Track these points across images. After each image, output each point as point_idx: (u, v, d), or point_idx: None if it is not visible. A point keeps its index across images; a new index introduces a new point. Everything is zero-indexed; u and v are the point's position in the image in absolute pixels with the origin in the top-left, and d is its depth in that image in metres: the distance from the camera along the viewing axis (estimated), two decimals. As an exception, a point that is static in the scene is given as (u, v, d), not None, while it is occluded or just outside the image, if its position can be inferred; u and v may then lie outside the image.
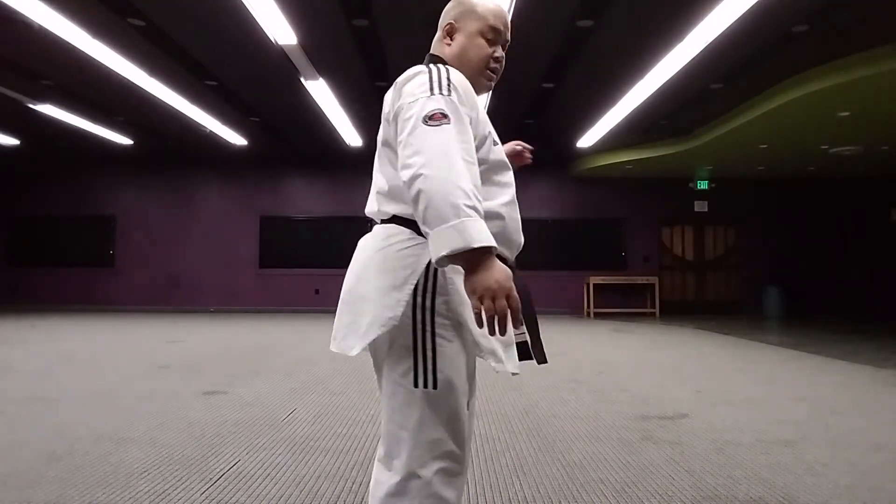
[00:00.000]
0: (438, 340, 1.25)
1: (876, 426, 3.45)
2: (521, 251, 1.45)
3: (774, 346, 7.11)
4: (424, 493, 1.22)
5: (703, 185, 12.41)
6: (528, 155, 1.81)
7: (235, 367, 5.40)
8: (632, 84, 7.59)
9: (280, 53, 6.65)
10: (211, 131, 10.27)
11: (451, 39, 1.46)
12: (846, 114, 7.52)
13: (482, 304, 1.11)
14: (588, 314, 12.10)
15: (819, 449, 3.00)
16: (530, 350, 1.33)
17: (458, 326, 1.28)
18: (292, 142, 11.41)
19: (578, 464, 2.76)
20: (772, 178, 12.36)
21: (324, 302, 12.01)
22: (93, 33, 6.20)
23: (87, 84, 7.93)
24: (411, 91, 1.26)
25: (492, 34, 1.44)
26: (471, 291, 1.12)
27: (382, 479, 1.27)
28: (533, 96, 8.48)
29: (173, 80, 7.80)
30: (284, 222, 12.69)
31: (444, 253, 1.10)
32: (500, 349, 1.29)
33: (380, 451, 1.32)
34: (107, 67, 7.08)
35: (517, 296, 1.13)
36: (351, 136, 10.52)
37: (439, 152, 1.15)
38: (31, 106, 8.72)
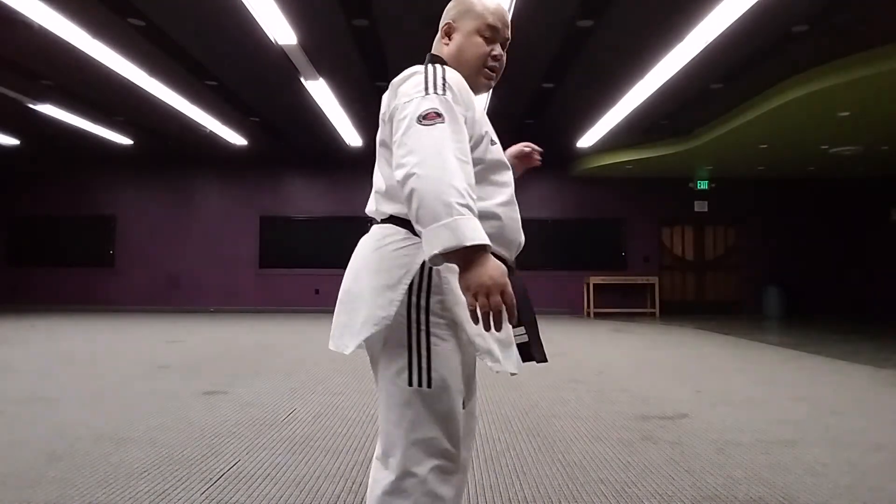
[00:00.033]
0: (433, 339, 1.26)
1: (876, 426, 3.45)
2: (521, 251, 1.45)
3: (774, 346, 7.11)
4: (420, 490, 1.23)
5: (703, 185, 12.41)
6: (536, 157, 1.80)
7: (235, 367, 5.40)
8: (632, 84, 7.59)
9: (280, 53, 6.65)
10: (211, 131, 10.27)
11: (450, 39, 1.47)
12: (846, 114, 7.52)
13: (477, 300, 1.11)
14: (588, 314, 12.10)
15: (819, 449, 3.00)
16: (527, 349, 1.33)
17: (454, 325, 1.28)
18: (292, 142, 11.41)
19: (578, 464, 2.76)
20: (772, 178, 12.36)
21: (324, 302, 12.01)
22: (93, 33, 6.20)
23: (87, 84, 7.93)
24: (406, 91, 1.27)
25: (489, 32, 1.44)
26: (465, 288, 1.12)
27: (379, 477, 1.28)
28: (533, 96, 8.48)
29: (173, 80, 7.80)
30: (284, 222, 12.70)
31: (437, 251, 1.10)
32: (496, 348, 1.29)
33: (377, 450, 1.33)
34: (107, 67, 7.08)
35: (512, 291, 1.13)
36: (351, 136, 10.52)
37: (433, 151, 1.15)
38: (31, 106, 8.72)
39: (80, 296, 12.41)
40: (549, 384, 4.63)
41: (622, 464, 2.76)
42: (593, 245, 12.73)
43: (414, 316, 1.26)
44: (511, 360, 1.34)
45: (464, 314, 1.25)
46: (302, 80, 7.52)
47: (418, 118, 1.19)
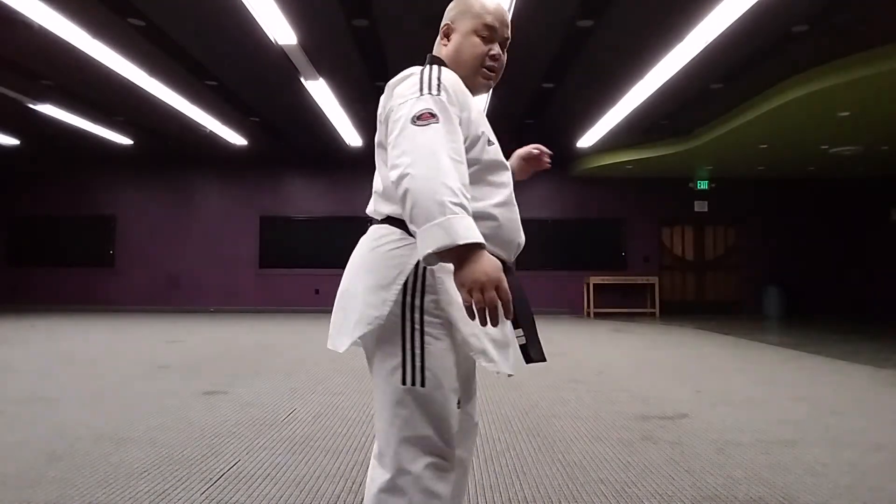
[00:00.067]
0: (427, 339, 1.27)
1: (876, 426, 3.45)
2: (521, 251, 1.45)
3: (774, 346, 7.11)
4: (416, 487, 1.23)
5: (703, 185, 12.41)
6: (546, 159, 1.80)
7: (235, 367, 5.40)
8: (632, 84, 7.59)
9: (280, 53, 6.65)
10: (211, 131, 10.27)
11: (448, 40, 1.48)
12: (846, 114, 7.52)
13: (472, 296, 1.11)
14: (588, 314, 12.10)
15: (819, 449, 3.00)
16: (528, 351, 1.33)
17: (448, 325, 1.28)
18: (292, 142, 11.42)
19: (578, 464, 2.76)
20: (772, 178, 12.36)
21: (324, 302, 12.00)
22: (93, 33, 6.20)
23: (87, 84, 7.93)
24: (402, 93, 1.28)
25: (486, 32, 1.44)
26: (460, 285, 1.12)
27: (375, 475, 1.29)
28: (533, 96, 8.48)
29: (173, 80, 7.80)
30: (284, 222, 12.70)
31: (430, 250, 1.11)
32: (491, 348, 1.29)
33: (375, 449, 1.33)
34: (107, 67, 7.08)
35: (507, 287, 1.12)
36: (351, 136, 10.52)
37: (426, 152, 1.16)
38: (31, 106, 8.72)
39: (80, 296, 12.42)
40: (549, 384, 4.63)
41: (622, 464, 2.76)
42: (593, 245, 12.73)
43: (408, 315, 1.27)
44: (507, 361, 1.33)
45: (458, 314, 1.26)
46: (302, 80, 7.52)
47: (412, 119, 1.20)
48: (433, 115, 1.20)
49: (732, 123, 8.45)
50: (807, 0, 5.34)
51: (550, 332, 8.61)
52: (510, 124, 9.75)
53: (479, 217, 1.21)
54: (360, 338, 1.30)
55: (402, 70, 1.36)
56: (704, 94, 7.94)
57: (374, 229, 1.38)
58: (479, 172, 1.33)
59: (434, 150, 1.16)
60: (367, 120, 9.53)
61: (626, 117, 8.88)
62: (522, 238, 1.43)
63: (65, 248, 12.64)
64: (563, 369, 5.35)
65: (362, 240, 1.41)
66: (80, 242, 12.65)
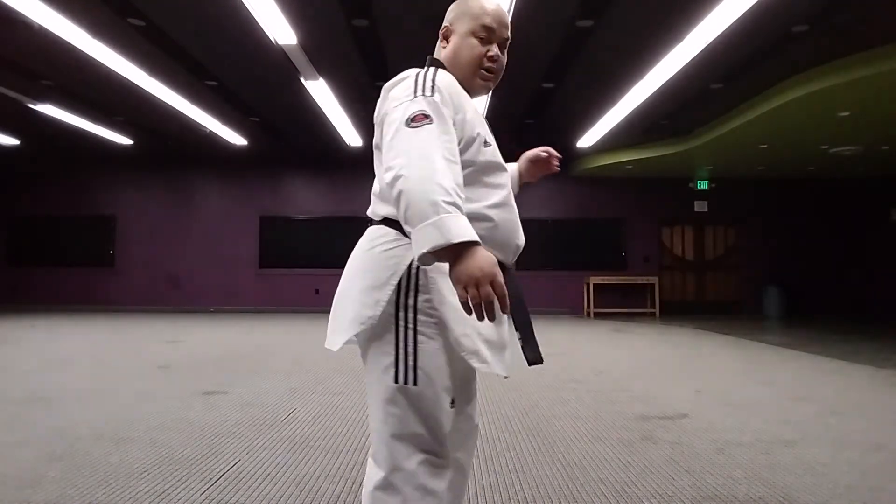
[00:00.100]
0: (420, 338, 1.27)
1: (876, 426, 3.45)
2: (521, 252, 1.45)
3: (774, 346, 7.11)
4: (411, 484, 1.24)
5: (703, 185, 12.41)
6: (555, 163, 1.79)
7: (235, 367, 5.40)
8: (632, 84, 7.59)
9: (280, 53, 6.65)
10: (211, 131, 10.27)
11: (447, 42, 1.48)
12: (846, 114, 7.52)
13: (467, 292, 1.11)
14: (588, 314, 12.10)
15: (819, 449, 3.00)
16: (526, 352, 1.33)
17: (441, 325, 1.29)
18: (292, 142, 11.41)
19: (578, 464, 2.76)
20: (772, 178, 12.36)
21: (324, 302, 11.92)
22: (93, 33, 6.19)
23: (87, 84, 7.93)
24: (396, 95, 1.29)
25: (484, 32, 1.44)
26: (455, 281, 1.13)
27: (371, 474, 1.30)
28: (533, 96, 8.48)
29: (173, 80, 7.80)
30: (284, 222, 12.69)
31: (424, 250, 1.11)
32: (484, 349, 1.29)
33: (371, 448, 1.34)
34: (107, 67, 7.08)
35: (503, 282, 1.12)
36: (351, 136, 10.52)
37: (419, 153, 1.17)
38: (31, 106, 8.72)
39: (80, 296, 12.41)
40: (549, 384, 4.63)
41: (622, 464, 2.76)
42: (593, 245, 12.73)
43: (401, 314, 1.28)
44: (502, 362, 1.34)
45: (451, 314, 1.26)
46: (302, 80, 7.52)
47: (406, 121, 1.21)
48: (426, 117, 1.21)
49: (732, 123, 8.45)
50: (807, 0, 5.34)
51: (550, 333, 8.62)
52: (510, 124, 9.75)
53: (473, 218, 1.21)
54: (354, 336, 1.31)
55: (401, 70, 1.36)
56: (704, 94, 7.93)
57: (370, 230, 1.40)
58: (475, 174, 1.34)
59: (427, 151, 1.17)
60: (366, 120, 9.52)
61: (626, 117, 8.88)
62: (522, 239, 1.42)
63: (65, 248, 12.64)
64: (563, 369, 5.35)
65: (360, 241, 1.42)
66: (80, 242, 12.65)
